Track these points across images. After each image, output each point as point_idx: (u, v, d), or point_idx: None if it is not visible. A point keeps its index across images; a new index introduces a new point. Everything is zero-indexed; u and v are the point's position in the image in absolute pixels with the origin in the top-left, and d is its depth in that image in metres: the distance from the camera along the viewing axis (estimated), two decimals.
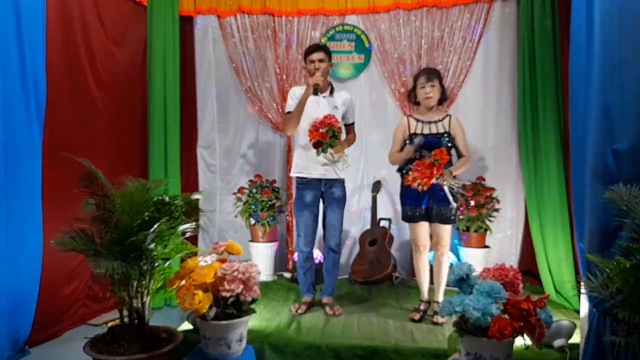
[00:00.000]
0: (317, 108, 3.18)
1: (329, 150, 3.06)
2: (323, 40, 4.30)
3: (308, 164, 3.23)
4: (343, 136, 3.24)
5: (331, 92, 3.30)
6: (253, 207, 4.11)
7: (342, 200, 3.28)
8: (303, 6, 4.27)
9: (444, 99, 3.19)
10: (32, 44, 2.84)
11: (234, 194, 4.26)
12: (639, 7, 2.04)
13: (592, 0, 2.21)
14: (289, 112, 3.27)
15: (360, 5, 4.25)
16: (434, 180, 2.80)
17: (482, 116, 4.21)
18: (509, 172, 4.17)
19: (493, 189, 3.95)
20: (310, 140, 3.04)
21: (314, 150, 3.07)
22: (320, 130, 3.00)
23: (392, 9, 4.20)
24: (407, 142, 3.15)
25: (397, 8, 4.19)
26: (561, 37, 3.61)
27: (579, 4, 2.33)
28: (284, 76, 4.32)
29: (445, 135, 3.05)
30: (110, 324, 2.64)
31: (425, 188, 2.82)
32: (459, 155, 3.11)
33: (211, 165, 4.53)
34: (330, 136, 3.00)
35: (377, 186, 4.22)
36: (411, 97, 3.23)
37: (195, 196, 2.79)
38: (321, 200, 3.32)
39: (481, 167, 4.20)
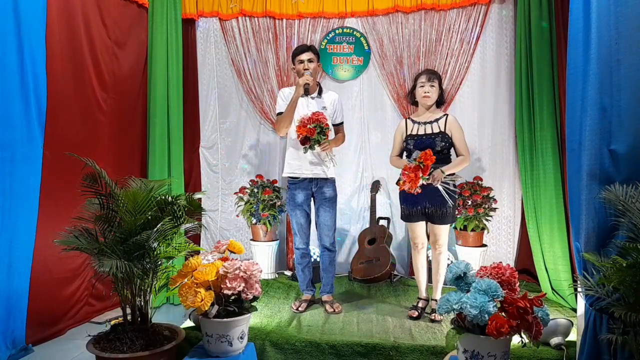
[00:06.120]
0: (307, 109, 3.22)
1: (317, 147, 3.10)
2: (323, 43, 4.34)
3: (300, 163, 3.27)
4: (332, 135, 3.28)
5: (320, 93, 3.34)
6: (254, 206, 4.15)
7: (333, 200, 3.32)
8: (303, 9, 4.31)
9: (442, 101, 3.22)
10: (32, 47, 2.88)
11: (236, 193, 4.30)
12: (636, 9, 2.07)
13: (590, 2, 2.24)
14: (279, 113, 3.31)
15: (360, 8, 4.29)
16: (422, 182, 2.84)
17: (480, 117, 4.25)
18: (506, 172, 4.21)
19: (490, 189, 3.99)
20: (298, 136, 3.08)
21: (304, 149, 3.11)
22: (308, 126, 3.04)
23: (391, 11, 4.24)
24: (404, 150, 3.20)
25: (396, 11, 4.23)
26: (558, 38, 3.64)
27: (576, 6, 2.35)
28: (285, 78, 4.35)
29: (440, 135, 3.07)
30: (113, 322, 2.67)
31: (416, 191, 2.86)
32: (457, 154, 3.13)
33: (213, 166, 4.57)
34: (317, 132, 3.04)
35: (376, 186, 4.25)
36: (410, 97, 3.27)
37: (198, 196, 2.83)
38: (312, 200, 3.36)
39: (478, 167, 4.23)
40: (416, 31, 4.23)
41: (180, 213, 2.57)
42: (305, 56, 3.22)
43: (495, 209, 4.01)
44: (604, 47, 2.16)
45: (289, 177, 3.35)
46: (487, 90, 4.23)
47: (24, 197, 2.86)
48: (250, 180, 4.34)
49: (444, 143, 3.05)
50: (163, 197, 2.58)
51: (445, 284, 3.10)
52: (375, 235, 4.07)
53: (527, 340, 1.99)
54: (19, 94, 2.81)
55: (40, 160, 2.95)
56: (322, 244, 3.35)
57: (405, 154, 3.23)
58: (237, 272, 2.37)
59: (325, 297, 3.37)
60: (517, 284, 2.15)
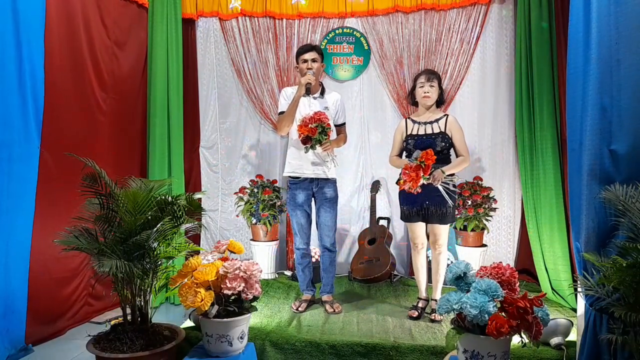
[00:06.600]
0: (309, 108, 3.22)
1: (318, 147, 3.09)
2: (323, 43, 4.34)
3: (300, 163, 3.27)
4: (333, 135, 3.28)
5: (322, 93, 3.34)
6: (254, 206, 4.15)
7: (333, 200, 3.32)
8: (303, 9, 4.30)
9: (442, 101, 3.22)
10: (31, 47, 2.88)
11: (236, 193, 4.30)
12: (636, 9, 2.07)
13: (590, 2, 2.24)
14: (281, 112, 3.30)
15: (360, 8, 4.29)
16: (423, 181, 2.84)
17: (480, 117, 4.25)
18: (506, 172, 4.21)
19: (490, 189, 3.99)
20: (300, 135, 3.08)
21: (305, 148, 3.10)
22: (310, 125, 3.03)
23: (391, 11, 4.24)
24: (404, 150, 3.20)
25: (396, 11, 4.23)
26: (558, 38, 3.64)
27: (576, 7, 2.35)
28: (285, 78, 4.35)
29: (440, 135, 3.08)
30: (113, 322, 2.67)
31: (416, 190, 2.86)
32: (457, 155, 3.13)
33: (213, 166, 4.57)
34: (319, 132, 3.03)
35: (376, 186, 4.25)
36: (410, 97, 3.27)
37: (198, 196, 2.83)
38: (313, 200, 3.36)
39: (478, 167, 4.23)
40: (416, 31, 4.23)
41: (180, 213, 2.57)
42: (309, 56, 3.22)
43: (495, 209, 4.01)
44: (604, 47, 2.16)
45: (290, 177, 3.35)
46: (487, 90, 4.23)
47: (21, 197, 2.86)
48: (250, 180, 4.34)
49: (444, 143, 3.05)
50: (163, 197, 2.58)
51: (445, 284, 3.10)
52: (375, 235, 4.07)
53: (527, 340, 1.99)
54: (17, 93, 2.81)
55: (37, 160, 2.94)
56: (322, 244, 3.35)
57: (405, 153, 3.23)
58: (237, 272, 2.37)
59: (325, 297, 3.37)
60: (517, 284, 2.15)
